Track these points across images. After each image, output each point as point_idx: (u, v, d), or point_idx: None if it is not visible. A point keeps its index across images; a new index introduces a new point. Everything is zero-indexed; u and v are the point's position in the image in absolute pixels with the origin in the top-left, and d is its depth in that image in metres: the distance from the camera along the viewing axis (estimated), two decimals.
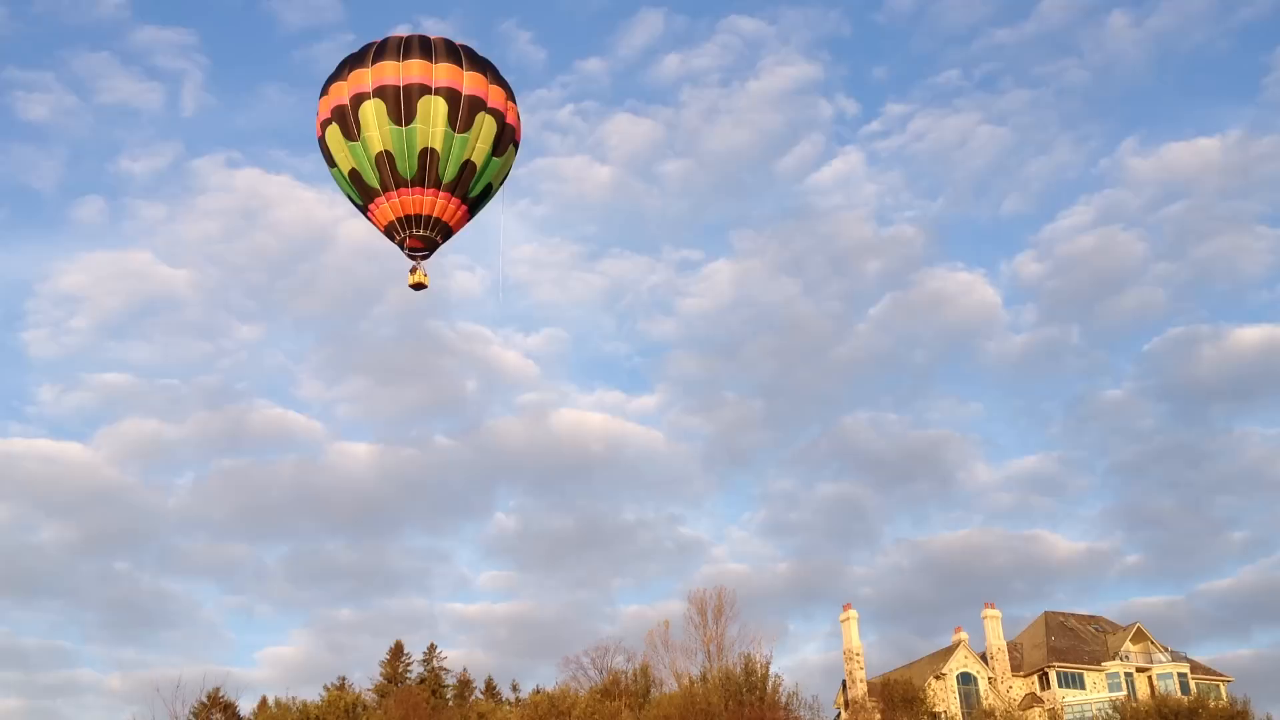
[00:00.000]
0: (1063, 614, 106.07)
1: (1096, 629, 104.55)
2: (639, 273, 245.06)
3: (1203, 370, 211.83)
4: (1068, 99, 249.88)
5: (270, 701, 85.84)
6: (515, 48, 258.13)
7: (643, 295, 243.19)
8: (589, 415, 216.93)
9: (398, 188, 44.25)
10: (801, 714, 79.18)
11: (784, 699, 79.10)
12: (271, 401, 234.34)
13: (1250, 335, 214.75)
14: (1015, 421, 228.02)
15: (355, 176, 45.69)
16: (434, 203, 44.56)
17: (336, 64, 46.10)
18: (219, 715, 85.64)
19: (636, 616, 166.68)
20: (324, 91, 45.96)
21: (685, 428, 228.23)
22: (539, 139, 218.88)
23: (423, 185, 44.18)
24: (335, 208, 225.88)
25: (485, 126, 44.79)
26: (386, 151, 44.03)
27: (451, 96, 43.91)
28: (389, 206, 44.86)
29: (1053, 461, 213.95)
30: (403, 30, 45.44)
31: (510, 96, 46.76)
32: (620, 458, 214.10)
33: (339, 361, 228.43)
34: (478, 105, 44.50)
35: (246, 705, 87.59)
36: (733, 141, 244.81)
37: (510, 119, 46.41)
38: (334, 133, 45.17)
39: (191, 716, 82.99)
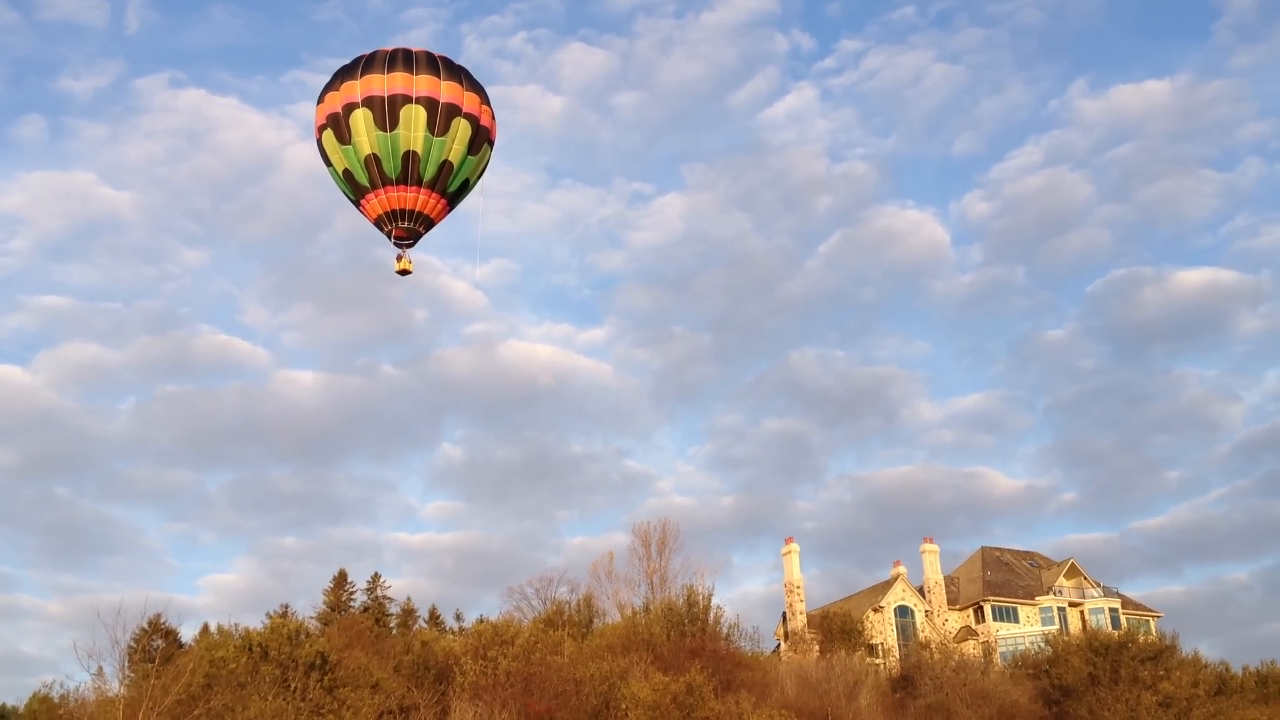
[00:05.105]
0: (999, 549, 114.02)
1: (1032, 564, 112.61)
2: (590, 205, 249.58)
3: (1144, 312, 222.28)
4: (1021, 39, 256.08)
5: (212, 628, 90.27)
6: None
7: (593, 227, 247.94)
8: (538, 347, 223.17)
9: (384, 186, 51.71)
10: (742, 645, 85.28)
11: (725, 630, 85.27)
12: (216, 327, 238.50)
13: (1192, 278, 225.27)
14: (960, 360, 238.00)
15: (348, 176, 52.96)
16: (416, 198, 52.01)
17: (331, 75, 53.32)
18: (160, 641, 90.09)
19: (581, 548, 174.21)
20: (320, 100, 52.98)
21: (634, 361, 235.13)
22: (490, 66, 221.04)
23: (406, 183, 51.58)
24: (283, 131, 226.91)
25: (461, 130, 52.02)
26: (374, 154, 51.30)
27: (430, 104, 51.13)
28: (377, 202, 52.35)
29: (995, 400, 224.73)
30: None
31: (485, 101, 53.77)
32: (568, 390, 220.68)
33: (285, 288, 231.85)
34: (454, 111, 51.70)
35: (188, 632, 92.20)
36: (686, 74, 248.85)
37: (484, 121, 53.52)
38: (329, 137, 52.52)
39: (132, 643, 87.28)
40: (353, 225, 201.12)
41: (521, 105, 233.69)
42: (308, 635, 76.96)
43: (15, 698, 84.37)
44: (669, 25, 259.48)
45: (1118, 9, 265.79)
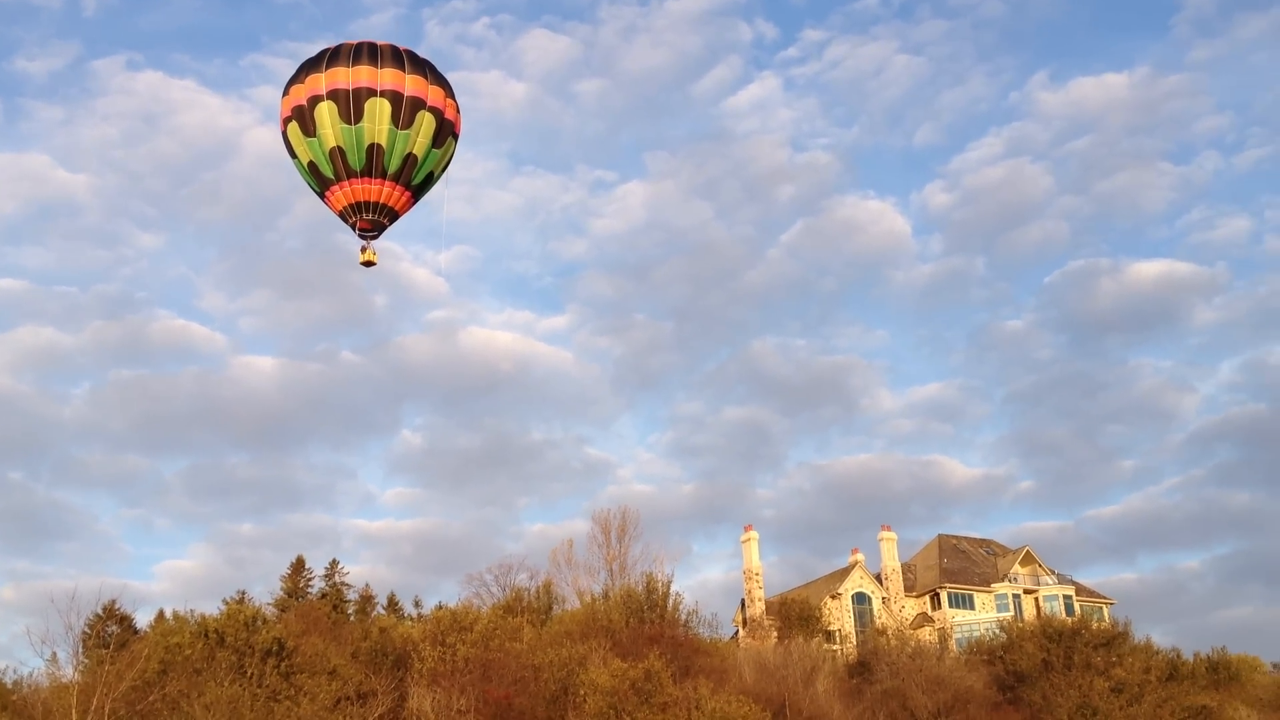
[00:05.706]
0: (955, 537, 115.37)
1: (988, 552, 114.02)
2: (552, 192, 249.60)
3: (1101, 303, 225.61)
4: (983, 31, 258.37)
5: (168, 615, 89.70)
6: None
7: (555, 215, 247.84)
8: (498, 334, 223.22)
9: (349, 178, 52.36)
10: (700, 631, 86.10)
11: (684, 617, 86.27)
12: (172, 312, 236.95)
13: (1148, 270, 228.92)
14: (919, 349, 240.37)
15: (313, 168, 53.51)
16: (380, 191, 52.63)
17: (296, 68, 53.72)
18: (115, 628, 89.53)
19: (541, 535, 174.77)
20: (285, 92, 53.44)
21: (595, 349, 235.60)
22: (452, 52, 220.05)
23: (370, 176, 52.25)
24: (242, 115, 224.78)
25: (425, 123, 52.58)
26: (338, 147, 51.93)
27: (394, 98, 51.71)
28: (342, 194, 52.94)
29: (953, 389, 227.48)
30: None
31: (449, 94, 54.25)
32: (529, 377, 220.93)
33: (243, 273, 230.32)
34: (418, 105, 52.32)
35: (143, 618, 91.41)
36: (650, 62, 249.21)
37: (449, 115, 54.09)
38: (294, 129, 52.98)
39: (87, 629, 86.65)
40: (312, 211, 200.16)
41: (484, 92, 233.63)
42: (264, 621, 76.70)
43: None
44: (633, 12, 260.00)
45: (1078, 2, 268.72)
